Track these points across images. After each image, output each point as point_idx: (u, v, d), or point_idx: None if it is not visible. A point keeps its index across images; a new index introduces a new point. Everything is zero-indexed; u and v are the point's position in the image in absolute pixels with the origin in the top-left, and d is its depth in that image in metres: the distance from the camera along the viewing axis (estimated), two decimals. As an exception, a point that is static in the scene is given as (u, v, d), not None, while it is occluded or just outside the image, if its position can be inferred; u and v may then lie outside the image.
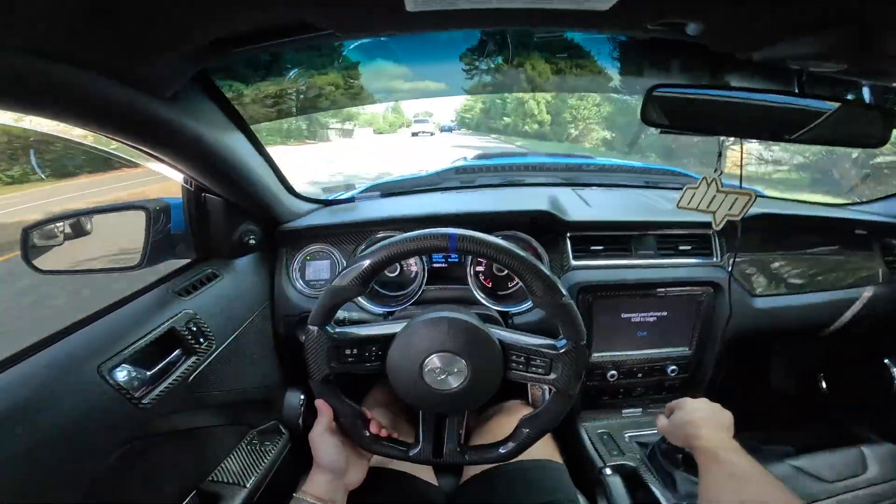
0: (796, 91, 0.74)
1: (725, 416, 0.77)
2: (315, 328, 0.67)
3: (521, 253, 0.64)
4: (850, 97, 0.92)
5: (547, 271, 0.64)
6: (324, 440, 0.70)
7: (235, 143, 0.85)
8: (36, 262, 0.84)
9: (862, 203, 1.34)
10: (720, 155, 0.88)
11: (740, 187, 0.91)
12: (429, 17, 0.50)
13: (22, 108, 0.51)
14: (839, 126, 0.76)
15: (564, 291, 0.65)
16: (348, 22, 0.54)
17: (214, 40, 0.52)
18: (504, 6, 0.47)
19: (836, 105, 0.75)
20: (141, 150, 0.73)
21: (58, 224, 0.88)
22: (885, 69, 0.61)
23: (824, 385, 1.51)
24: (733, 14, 0.51)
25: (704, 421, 0.75)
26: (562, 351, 0.65)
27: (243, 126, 0.88)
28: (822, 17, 0.48)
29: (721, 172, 0.88)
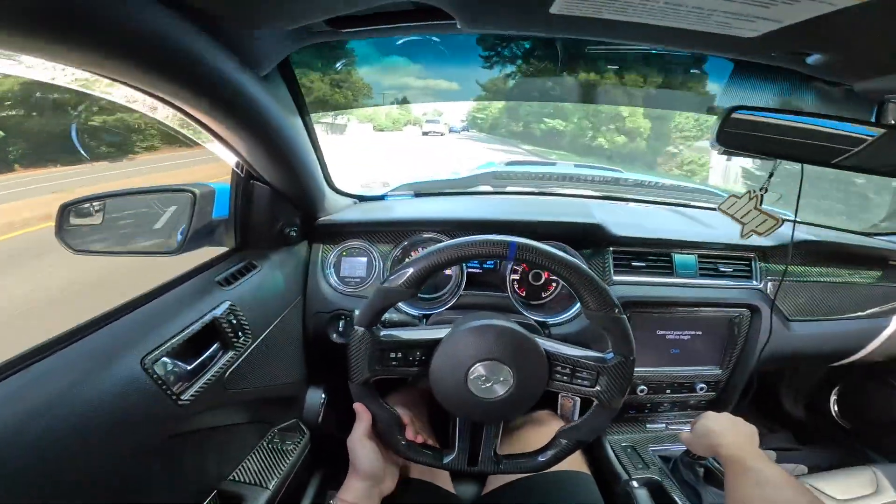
0: (872, 121, 0.74)
1: (749, 428, 0.79)
2: (362, 329, 0.66)
3: (581, 265, 0.64)
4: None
5: (604, 285, 0.64)
6: (363, 446, 0.69)
7: (298, 132, 0.83)
8: (68, 240, 0.80)
9: (892, 233, 1.36)
10: (771, 175, 0.89)
11: (795, 215, 0.93)
12: (568, 21, 0.48)
13: (129, 69, 0.47)
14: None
15: (619, 306, 0.65)
16: (479, 13, 0.51)
17: (333, 18, 0.49)
18: (649, 22, 0.45)
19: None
20: (208, 128, 0.69)
21: (97, 203, 0.84)
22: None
23: (836, 407, 1.53)
24: (860, 47, 0.50)
25: (728, 430, 0.77)
26: (611, 364, 0.66)
27: (305, 116, 0.85)
28: None
29: (766, 191, 0.90)
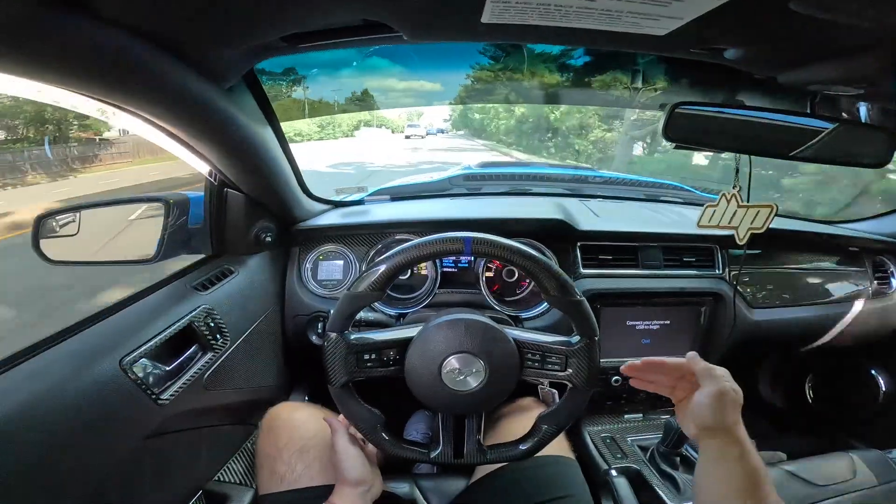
0: (808, 111, 0.79)
1: None
2: (334, 334, 0.67)
3: (535, 253, 0.66)
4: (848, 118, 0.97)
5: (559, 270, 0.67)
6: (350, 454, 0.70)
7: (268, 140, 0.86)
8: (45, 251, 0.82)
9: (852, 221, 1.41)
10: (738, 171, 0.90)
11: (748, 201, 0.96)
12: (500, 28, 0.52)
13: (98, 87, 0.50)
14: (843, 146, 0.81)
15: (577, 289, 0.67)
16: (421, 26, 0.55)
17: (287, 35, 0.53)
18: (570, 25, 0.49)
19: (842, 125, 0.79)
20: (179, 140, 0.73)
21: (72, 214, 0.86)
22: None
23: (811, 394, 1.57)
24: (771, 41, 0.55)
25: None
26: (576, 347, 0.67)
27: (275, 124, 0.88)
28: (852, 44, 0.52)
29: (739, 188, 0.90)
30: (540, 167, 1.74)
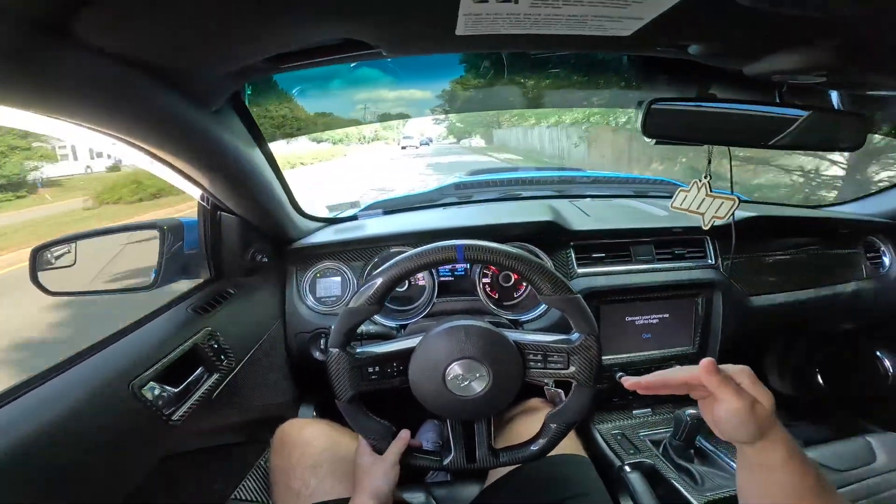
0: (777, 101, 0.81)
1: None
2: (336, 350, 0.68)
3: (527, 255, 0.67)
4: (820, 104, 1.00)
5: (552, 269, 0.68)
6: (375, 466, 0.70)
7: (257, 161, 0.88)
8: (44, 283, 0.83)
9: (839, 204, 1.44)
10: (709, 162, 0.94)
11: (731, 193, 0.98)
12: (473, 40, 0.54)
13: (85, 115, 0.52)
14: (816, 132, 0.83)
15: (571, 287, 0.67)
16: (398, 42, 0.58)
17: (270, 56, 0.55)
18: (540, 32, 0.51)
19: (811, 112, 0.81)
20: (168, 163, 0.74)
21: (68, 245, 0.87)
22: (861, 80, 0.68)
23: (821, 380, 1.57)
24: (728, 35, 0.57)
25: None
26: (577, 344, 0.68)
27: (263, 145, 0.90)
28: (804, 36, 0.54)
29: (710, 177, 0.95)
30: (529, 171, 1.76)
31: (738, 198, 0.95)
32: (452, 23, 0.49)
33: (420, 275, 1.17)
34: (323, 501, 0.75)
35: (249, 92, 0.80)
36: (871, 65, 0.62)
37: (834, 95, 1.07)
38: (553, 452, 0.74)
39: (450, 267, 1.19)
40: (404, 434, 0.72)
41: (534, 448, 0.72)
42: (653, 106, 0.82)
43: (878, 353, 1.40)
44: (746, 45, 0.60)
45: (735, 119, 0.85)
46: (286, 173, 1.04)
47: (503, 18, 0.48)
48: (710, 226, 0.96)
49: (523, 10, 0.45)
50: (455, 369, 0.66)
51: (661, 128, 0.84)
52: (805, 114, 0.81)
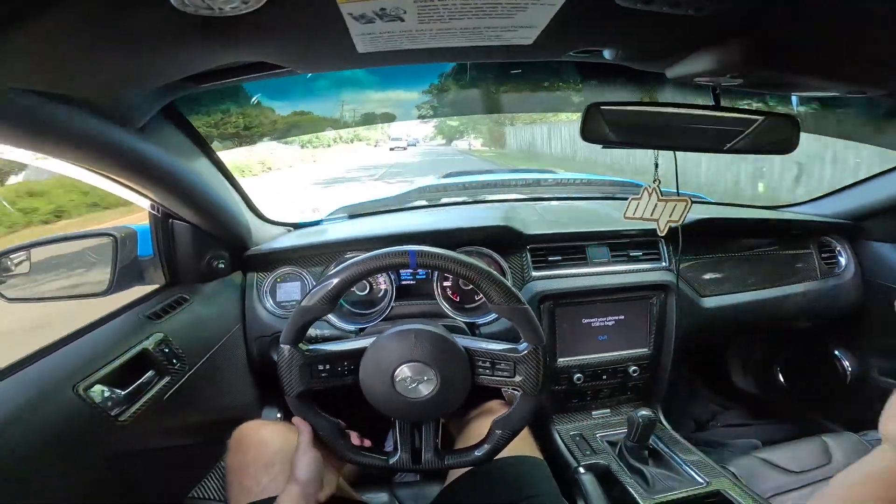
0: (713, 104, 0.82)
1: None
2: (287, 347, 0.69)
3: (477, 263, 0.68)
4: (762, 107, 1.01)
5: (501, 279, 0.69)
6: (304, 454, 0.71)
7: (203, 170, 0.89)
8: (2, 290, 0.85)
9: (795, 205, 1.45)
10: (656, 166, 0.94)
11: (678, 194, 0.99)
12: (378, 56, 0.56)
13: (12, 142, 0.53)
14: (753, 135, 0.84)
15: (520, 297, 0.68)
16: (305, 61, 0.59)
17: (183, 77, 0.56)
18: (442, 45, 0.53)
19: (746, 115, 0.82)
20: (110, 178, 0.76)
21: (22, 253, 0.89)
22: (778, 81, 0.69)
23: (782, 379, 1.58)
24: (637, 37, 0.58)
25: None
26: (523, 353, 0.69)
27: (210, 154, 0.91)
28: (715, 35, 0.55)
29: (659, 182, 0.94)
30: (502, 173, 1.78)
31: (690, 198, 0.96)
32: (350, 43, 0.50)
33: (380, 278, 1.18)
34: (266, 498, 0.77)
35: (188, 104, 0.82)
36: (784, 66, 0.62)
37: (793, 99, 1.08)
38: (509, 453, 0.76)
39: (411, 271, 1.21)
40: (299, 423, 0.73)
41: (478, 453, 0.74)
42: (591, 110, 0.83)
43: (836, 353, 1.41)
44: (653, 48, 0.61)
45: (673, 122, 0.85)
46: (262, 177, 1.05)
47: (397, 36, 0.49)
48: (666, 231, 0.96)
49: (413, 27, 0.47)
50: (404, 371, 0.68)
51: (600, 132, 0.84)
52: (739, 117, 0.82)
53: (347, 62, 0.61)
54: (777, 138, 0.84)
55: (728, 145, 0.83)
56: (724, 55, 0.59)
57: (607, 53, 0.63)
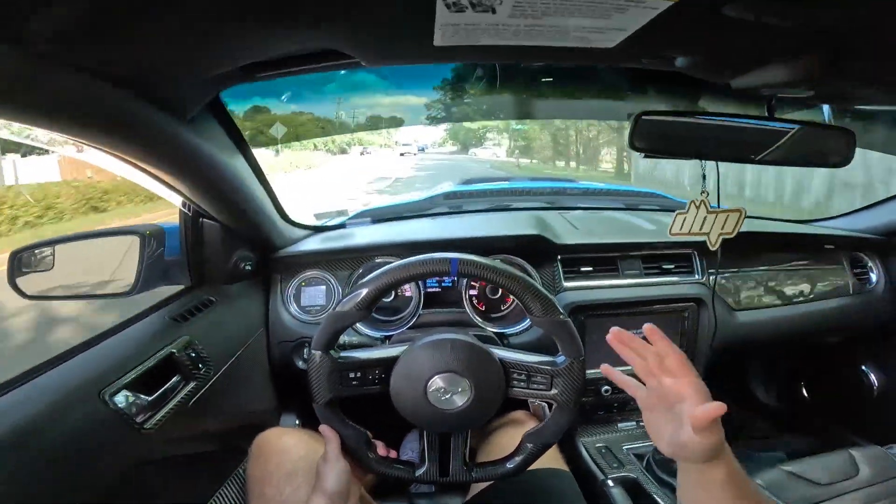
0: (766, 115, 0.81)
1: None
2: (318, 353, 0.67)
3: (520, 274, 0.67)
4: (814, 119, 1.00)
5: (544, 291, 0.67)
6: (331, 464, 0.69)
7: (239, 168, 0.87)
8: (22, 287, 0.82)
9: (826, 219, 1.44)
10: (704, 177, 0.90)
11: (718, 207, 0.97)
12: (454, 50, 0.54)
13: (54, 125, 0.51)
14: (806, 147, 0.83)
15: (562, 310, 0.67)
16: (377, 52, 0.57)
17: (245, 65, 0.54)
18: (522, 43, 0.51)
19: (800, 127, 0.81)
20: (146, 171, 0.73)
21: (47, 249, 0.86)
22: (847, 94, 0.68)
23: (806, 393, 1.57)
24: (714, 47, 0.57)
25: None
26: (562, 367, 0.68)
27: (246, 152, 0.89)
28: (791, 48, 0.54)
29: (707, 194, 0.90)
30: (520, 182, 1.76)
31: (743, 208, 0.92)
32: (430, 33, 0.48)
33: (407, 285, 1.16)
34: None
35: (228, 99, 0.79)
36: (858, 78, 0.62)
37: (825, 110, 1.07)
38: (535, 466, 0.74)
39: (437, 278, 1.18)
40: (327, 432, 0.70)
41: (509, 466, 0.72)
42: (642, 118, 0.81)
43: (863, 368, 1.40)
44: (732, 58, 0.60)
45: (723, 133, 0.84)
46: (279, 179, 1.03)
47: (482, 29, 0.47)
48: (718, 244, 0.92)
49: (502, 21, 0.45)
50: (437, 382, 0.66)
51: (650, 141, 0.83)
52: (793, 128, 0.81)
53: (420, 55, 0.59)
54: (832, 151, 0.83)
55: (782, 157, 0.82)
56: (800, 67, 0.57)
57: (680, 62, 0.61)
